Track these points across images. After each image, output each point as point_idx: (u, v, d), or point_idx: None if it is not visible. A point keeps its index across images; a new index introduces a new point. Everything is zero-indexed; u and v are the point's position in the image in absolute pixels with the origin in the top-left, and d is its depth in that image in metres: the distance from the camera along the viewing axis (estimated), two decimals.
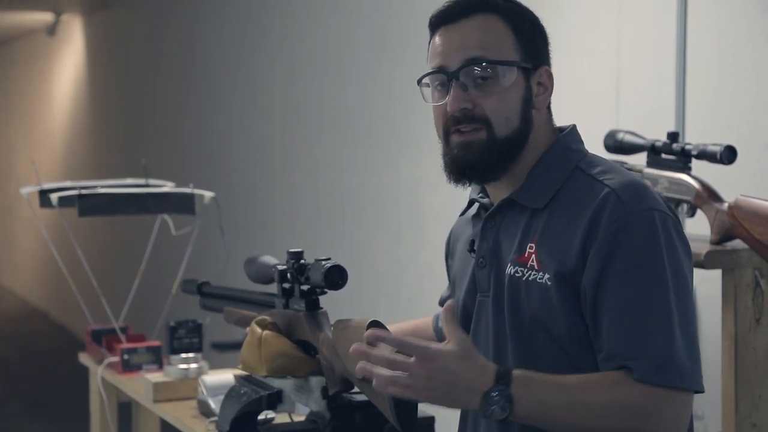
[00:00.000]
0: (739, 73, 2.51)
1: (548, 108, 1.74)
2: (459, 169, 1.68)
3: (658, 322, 1.55)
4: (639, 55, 2.80)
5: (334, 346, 1.70)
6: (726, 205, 2.13)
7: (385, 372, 1.47)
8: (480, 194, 1.79)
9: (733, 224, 2.10)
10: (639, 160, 2.34)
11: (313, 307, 1.82)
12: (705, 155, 2.17)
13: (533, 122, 1.70)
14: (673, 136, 2.26)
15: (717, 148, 2.15)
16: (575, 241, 1.60)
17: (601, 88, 2.91)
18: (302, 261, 1.82)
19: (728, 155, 2.14)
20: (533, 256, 1.64)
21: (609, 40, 2.89)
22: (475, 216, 1.81)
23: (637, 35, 2.81)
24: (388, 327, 1.64)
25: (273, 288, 1.92)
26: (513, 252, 1.68)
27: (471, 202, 1.82)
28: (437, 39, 1.71)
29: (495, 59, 1.66)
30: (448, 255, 1.95)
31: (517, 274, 1.66)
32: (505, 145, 1.66)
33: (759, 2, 2.46)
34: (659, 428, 1.54)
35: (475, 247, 1.75)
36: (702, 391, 1.56)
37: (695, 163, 2.24)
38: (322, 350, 1.75)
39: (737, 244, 2.13)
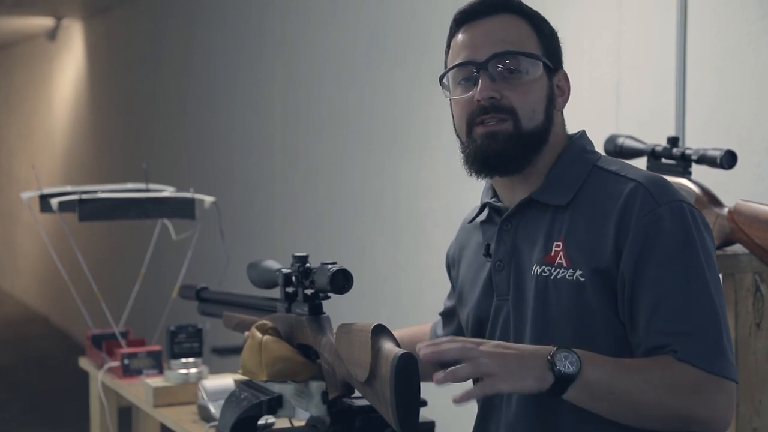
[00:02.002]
0: (739, 78, 2.51)
1: (561, 113, 1.77)
2: (483, 158, 1.68)
3: (701, 310, 1.55)
4: (639, 59, 2.81)
5: (337, 350, 1.70)
6: (726, 209, 2.13)
7: (463, 367, 1.46)
8: (493, 198, 1.80)
9: (733, 229, 2.10)
10: (639, 164, 2.33)
11: (316, 311, 1.82)
12: (705, 160, 2.17)
13: (554, 121, 1.72)
14: (674, 141, 2.26)
15: (717, 153, 2.15)
16: (607, 237, 1.60)
17: (602, 92, 2.92)
18: (307, 265, 1.82)
19: (728, 160, 2.14)
20: (561, 253, 1.64)
21: (609, 45, 2.90)
22: (486, 221, 1.81)
23: (637, 40, 2.81)
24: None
25: (275, 293, 1.92)
26: (537, 252, 1.67)
27: (483, 207, 1.82)
28: (462, 35, 1.73)
29: (522, 51, 1.68)
30: (452, 265, 1.94)
31: (544, 274, 1.66)
32: (530, 137, 1.68)
33: (759, 6, 2.46)
34: (715, 413, 1.54)
35: (491, 251, 1.75)
36: (737, 382, 1.57)
37: (695, 168, 2.24)
38: (323, 354, 1.75)
39: (737, 248, 2.13)
